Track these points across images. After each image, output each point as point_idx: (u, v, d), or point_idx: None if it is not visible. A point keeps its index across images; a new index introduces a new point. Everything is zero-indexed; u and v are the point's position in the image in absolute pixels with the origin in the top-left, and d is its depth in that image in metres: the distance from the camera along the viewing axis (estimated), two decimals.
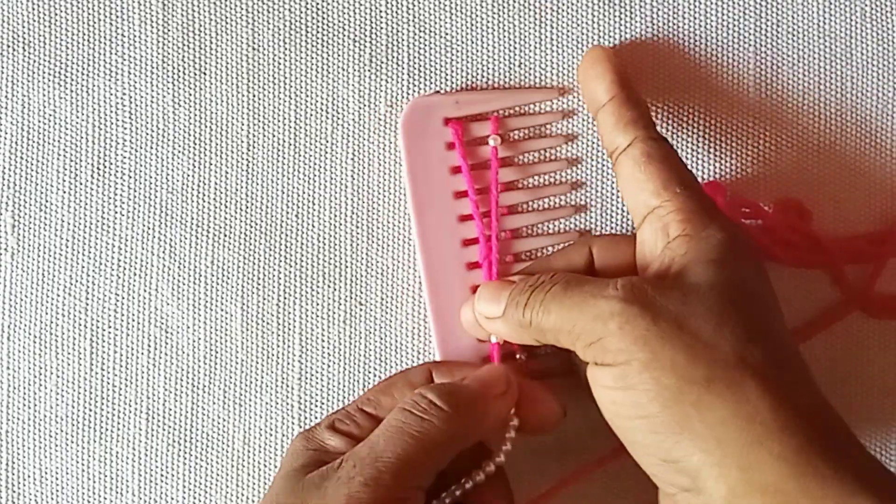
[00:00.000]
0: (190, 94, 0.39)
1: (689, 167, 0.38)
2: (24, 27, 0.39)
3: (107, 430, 0.39)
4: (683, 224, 0.32)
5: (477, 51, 0.39)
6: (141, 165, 0.39)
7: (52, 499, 0.39)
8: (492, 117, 0.38)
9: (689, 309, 0.30)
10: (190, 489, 0.39)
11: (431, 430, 0.32)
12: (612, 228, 0.39)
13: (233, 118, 0.39)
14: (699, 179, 0.38)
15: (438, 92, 0.39)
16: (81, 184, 0.39)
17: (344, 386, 0.39)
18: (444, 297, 0.38)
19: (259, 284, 0.39)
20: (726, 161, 0.39)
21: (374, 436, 0.33)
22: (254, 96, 0.39)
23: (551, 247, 0.38)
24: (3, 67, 0.39)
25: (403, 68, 0.39)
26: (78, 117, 0.39)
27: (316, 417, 0.39)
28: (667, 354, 0.30)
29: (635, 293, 0.31)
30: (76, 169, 0.39)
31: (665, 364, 0.29)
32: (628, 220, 0.39)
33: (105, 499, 0.39)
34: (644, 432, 0.30)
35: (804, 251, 0.37)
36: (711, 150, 0.39)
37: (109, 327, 0.39)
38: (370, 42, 0.39)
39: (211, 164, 0.39)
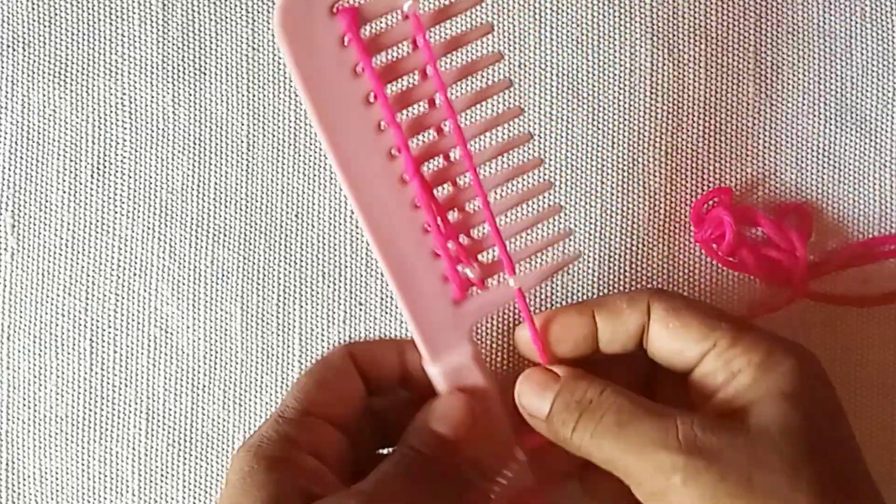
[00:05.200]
0: (190, 94, 0.39)
1: (689, 169, 0.38)
2: (24, 27, 0.39)
3: (107, 430, 0.39)
4: (748, 354, 0.30)
5: (477, 51, 0.39)
6: (141, 165, 0.39)
7: (52, 499, 0.39)
8: None
9: (759, 459, 0.28)
10: (190, 489, 0.39)
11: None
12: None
13: (233, 118, 0.39)
14: (699, 181, 0.39)
15: None
16: (81, 184, 0.39)
17: None
18: (379, 212, 0.31)
19: (259, 284, 0.39)
20: (726, 162, 0.39)
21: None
22: (254, 96, 0.39)
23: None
24: (3, 67, 0.39)
25: None
26: (78, 117, 0.39)
27: None
28: None
29: (700, 444, 0.29)
30: (76, 169, 0.39)
31: None
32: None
33: (105, 499, 0.39)
34: None
35: (786, 273, 0.37)
36: (711, 151, 0.39)
37: (109, 327, 0.39)
38: None
39: (211, 164, 0.39)
